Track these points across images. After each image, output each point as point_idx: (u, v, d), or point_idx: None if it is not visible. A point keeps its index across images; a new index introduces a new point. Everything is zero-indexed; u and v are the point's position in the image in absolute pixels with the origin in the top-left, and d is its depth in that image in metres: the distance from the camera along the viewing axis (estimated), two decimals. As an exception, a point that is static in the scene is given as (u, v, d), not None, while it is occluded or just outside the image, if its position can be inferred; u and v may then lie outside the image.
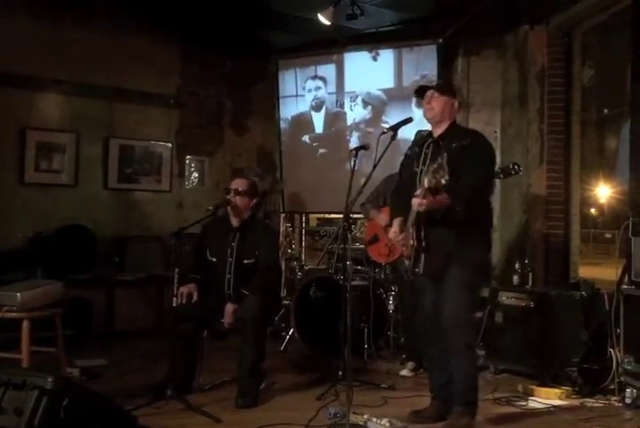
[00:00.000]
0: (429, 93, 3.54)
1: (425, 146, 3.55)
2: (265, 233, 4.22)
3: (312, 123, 6.69)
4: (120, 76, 6.37)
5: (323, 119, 6.64)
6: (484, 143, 3.50)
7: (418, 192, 3.20)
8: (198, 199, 6.79)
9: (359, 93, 6.42)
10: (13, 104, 5.86)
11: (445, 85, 3.65)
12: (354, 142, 6.39)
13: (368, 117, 6.40)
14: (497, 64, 5.92)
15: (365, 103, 6.41)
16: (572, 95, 5.30)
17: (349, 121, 6.49)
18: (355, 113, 6.45)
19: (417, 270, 3.43)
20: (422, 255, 3.39)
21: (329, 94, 6.59)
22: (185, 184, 6.90)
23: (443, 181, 3.02)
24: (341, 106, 6.52)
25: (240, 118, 7.23)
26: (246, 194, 4.15)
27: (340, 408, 3.48)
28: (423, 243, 3.36)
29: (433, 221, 3.33)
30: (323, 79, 6.62)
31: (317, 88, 6.65)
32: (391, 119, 6.08)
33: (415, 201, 3.23)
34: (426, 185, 3.10)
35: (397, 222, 3.55)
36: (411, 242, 3.39)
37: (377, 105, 6.35)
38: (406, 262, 3.49)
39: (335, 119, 6.57)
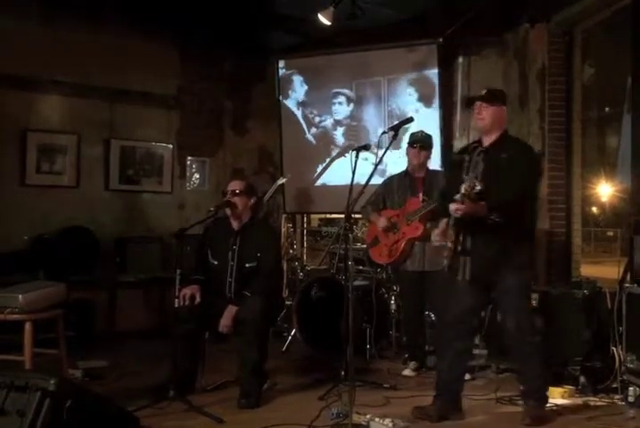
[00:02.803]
0: (477, 103, 3.60)
1: (476, 155, 3.63)
2: (266, 234, 4.21)
3: (302, 122, 6.74)
4: (121, 77, 6.37)
5: (309, 118, 6.72)
6: (528, 155, 3.63)
7: (457, 197, 3.28)
8: (199, 200, 6.79)
9: (345, 90, 6.48)
10: (14, 106, 5.86)
11: (493, 93, 3.68)
12: (340, 137, 6.54)
13: (353, 114, 6.48)
14: (498, 63, 5.92)
15: (349, 101, 6.45)
16: (573, 94, 5.29)
17: (335, 118, 6.57)
18: (340, 111, 6.51)
19: (461, 276, 3.51)
20: (468, 260, 3.48)
21: (316, 92, 6.66)
22: (186, 185, 6.90)
23: (478, 188, 3.14)
24: (329, 104, 6.59)
25: (240, 118, 7.23)
26: (243, 195, 4.13)
27: (342, 408, 3.47)
28: (459, 247, 3.46)
29: (474, 227, 3.42)
30: (312, 79, 6.68)
31: (307, 88, 6.72)
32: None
33: (452, 207, 3.35)
34: (462, 191, 3.20)
35: (443, 223, 3.66)
36: (449, 244, 3.51)
37: (361, 103, 6.47)
38: (445, 261, 3.60)
39: (321, 117, 6.64)
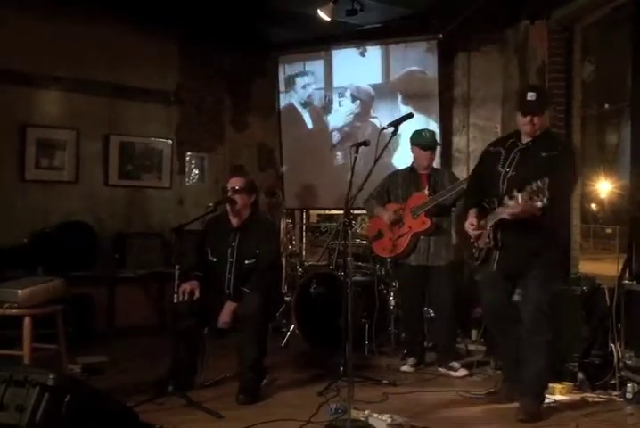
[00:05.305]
0: (529, 117, 3.58)
1: (515, 151, 3.64)
2: (265, 230, 4.20)
3: (303, 119, 6.69)
4: (120, 72, 6.37)
5: (311, 115, 6.65)
6: (570, 154, 3.65)
7: (512, 203, 3.29)
8: (198, 195, 6.79)
9: (348, 87, 6.41)
10: (13, 101, 5.85)
11: (545, 99, 3.68)
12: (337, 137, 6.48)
13: (357, 111, 6.40)
14: (498, 59, 5.91)
15: (354, 98, 6.42)
16: (573, 90, 5.28)
17: (337, 116, 6.50)
18: (343, 108, 6.45)
19: (490, 267, 3.64)
20: (497, 253, 3.59)
21: (317, 89, 6.59)
22: (186, 180, 6.90)
23: (539, 204, 3.15)
24: (330, 101, 6.52)
25: (240, 114, 7.23)
26: (244, 192, 4.12)
27: (341, 404, 3.48)
28: (499, 243, 3.57)
29: (513, 224, 3.45)
30: (313, 75, 6.61)
31: (307, 84, 6.65)
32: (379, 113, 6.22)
33: (507, 211, 3.37)
34: (520, 201, 3.21)
35: (472, 213, 3.68)
36: (487, 240, 3.59)
37: (366, 100, 6.35)
38: (475, 254, 3.69)
39: (323, 114, 6.58)
